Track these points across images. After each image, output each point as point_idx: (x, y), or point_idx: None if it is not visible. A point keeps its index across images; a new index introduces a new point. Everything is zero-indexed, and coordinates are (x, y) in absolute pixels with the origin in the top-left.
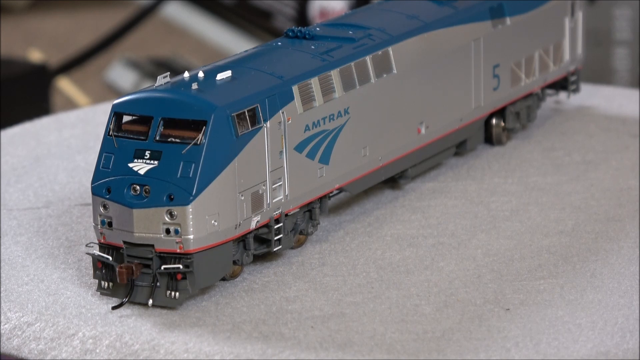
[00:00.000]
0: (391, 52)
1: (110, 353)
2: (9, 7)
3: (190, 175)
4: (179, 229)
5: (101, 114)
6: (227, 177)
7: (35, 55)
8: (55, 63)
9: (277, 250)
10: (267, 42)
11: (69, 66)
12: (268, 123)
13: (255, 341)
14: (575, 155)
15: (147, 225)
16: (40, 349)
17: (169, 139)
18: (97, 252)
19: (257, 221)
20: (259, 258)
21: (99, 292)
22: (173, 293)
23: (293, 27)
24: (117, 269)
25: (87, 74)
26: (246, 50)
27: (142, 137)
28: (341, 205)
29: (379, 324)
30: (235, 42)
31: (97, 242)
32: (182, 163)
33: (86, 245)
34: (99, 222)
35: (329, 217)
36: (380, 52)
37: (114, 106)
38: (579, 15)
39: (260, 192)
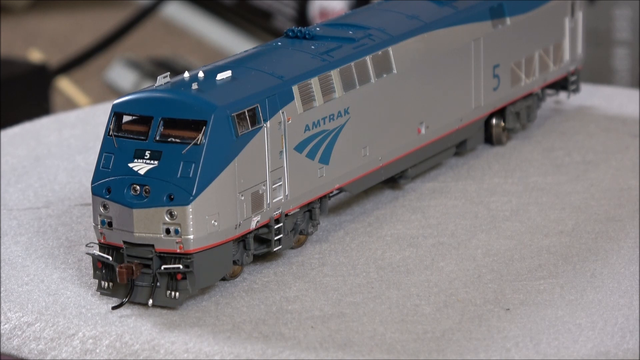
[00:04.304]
0: (391, 52)
1: (110, 353)
2: (9, 7)
3: (190, 175)
4: (179, 229)
5: (101, 114)
6: (227, 177)
7: (35, 55)
8: (55, 63)
9: (277, 250)
10: (267, 42)
11: (69, 66)
12: (268, 123)
13: (255, 341)
14: (575, 155)
15: (147, 225)
16: (40, 349)
17: (169, 139)
18: (97, 252)
19: (257, 221)
20: (259, 258)
21: (99, 292)
22: (173, 293)
23: (293, 27)
24: (117, 269)
25: (87, 74)
26: (246, 50)
27: (142, 137)
28: (341, 205)
29: (379, 324)
30: (235, 42)
31: (97, 242)
32: (182, 163)
33: (86, 245)
34: (99, 222)
35: (329, 217)
36: (380, 52)
37: (114, 106)
38: (579, 15)
39: (260, 192)
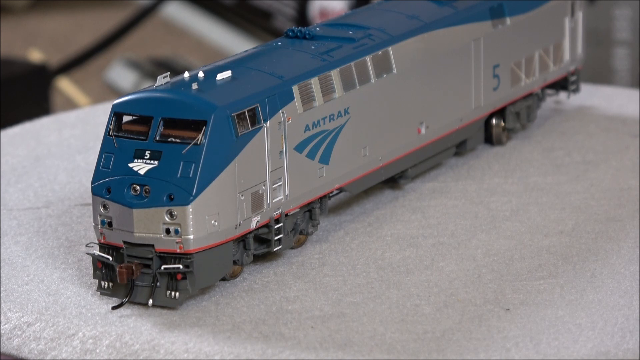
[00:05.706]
0: (391, 52)
1: (110, 353)
2: (9, 7)
3: (190, 175)
4: (179, 229)
5: (101, 114)
6: (227, 177)
7: (35, 55)
8: (55, 63)
9: (277, 250)
10: (267, 42)
11: (69, 66)
12: (268, 123)
13: (255, 341)
14: (575, 155)
15: (147, 225)
16: (40, 349)
17: (169, 139)
18: (97, 252)
19: (257, 221)
20: (259, 258)
21: (99, 292)
22: (173, 293)
23: (293, 27)
24: (117, 269)
25: (87, 74)
26: (246, 50)
27: (142, 137)
28: (341, 205)
29: (379, 324)
30: (235, 42)
31: (97, 242)
32: (182, 163)
33: (86, 245)
34: (99, 222)
35: (329, 217)
36: (380, 52)
37: (114, 106)
38: (579, 15)
39: (260, 192)
